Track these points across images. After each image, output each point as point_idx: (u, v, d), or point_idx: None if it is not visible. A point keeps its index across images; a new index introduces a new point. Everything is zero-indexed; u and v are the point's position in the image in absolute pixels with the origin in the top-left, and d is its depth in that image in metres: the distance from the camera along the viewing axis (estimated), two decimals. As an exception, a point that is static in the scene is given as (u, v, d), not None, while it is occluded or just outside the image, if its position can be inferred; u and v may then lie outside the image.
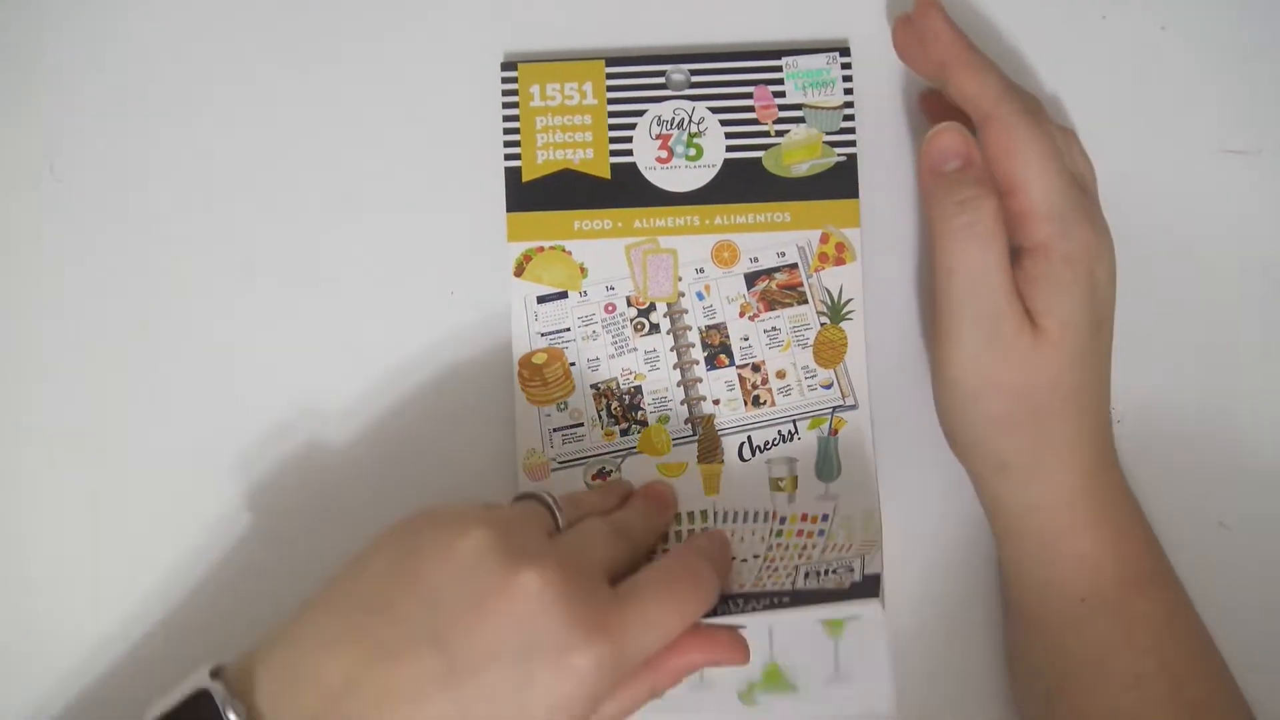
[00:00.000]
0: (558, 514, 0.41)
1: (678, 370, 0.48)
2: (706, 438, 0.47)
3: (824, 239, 0.48)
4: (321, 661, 0.36)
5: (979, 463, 0.44)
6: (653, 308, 0.48)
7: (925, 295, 0.48)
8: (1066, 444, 0.42)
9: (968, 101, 0.43)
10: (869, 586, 0.43)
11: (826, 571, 0.45)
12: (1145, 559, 0.44)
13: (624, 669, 0.38)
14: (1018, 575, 0.44)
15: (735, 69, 0.48)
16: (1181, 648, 0.43)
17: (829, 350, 0.47)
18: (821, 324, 0.47)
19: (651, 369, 0.47)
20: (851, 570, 0.45)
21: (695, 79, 0.48)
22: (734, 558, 0.46)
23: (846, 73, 0.48)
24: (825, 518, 0.47)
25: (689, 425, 0.47)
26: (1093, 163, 0.45)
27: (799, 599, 0.44)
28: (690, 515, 0.47)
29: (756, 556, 0.47)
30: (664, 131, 0.48)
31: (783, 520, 0.47)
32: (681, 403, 0.47)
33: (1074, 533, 0.43)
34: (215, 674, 0.37)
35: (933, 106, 0.48)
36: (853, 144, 0.48)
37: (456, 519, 0.38)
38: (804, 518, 0.47)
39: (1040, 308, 0.41)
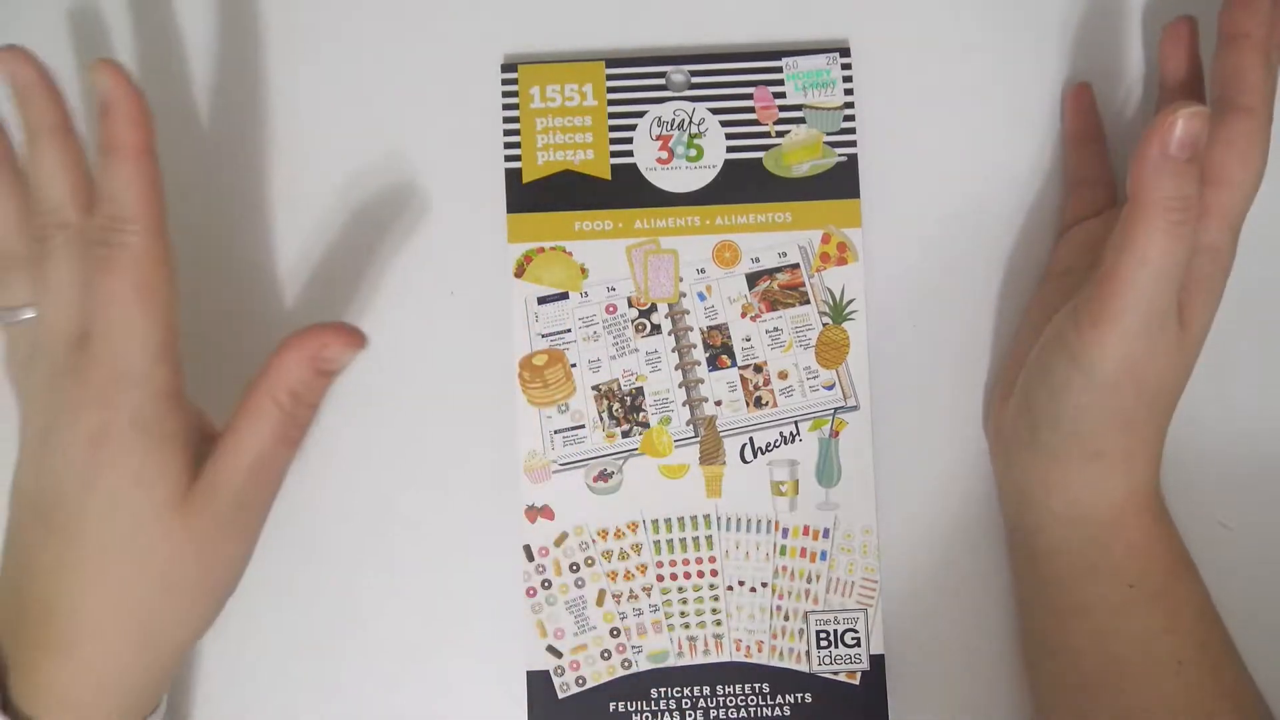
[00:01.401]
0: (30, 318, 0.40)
1: (679, 371, 0.47)
2: (708, 439, 0.47)
3: (825, 239, 0.48)
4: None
5: (1071, 450, 0.42)
6: (654, 308, 0.48)
7: (927, 294, 0.48)
8: (1158, 440, 0.43)
9: (1232, 80, 0.41)
10: (876, 678, 0.46)
11: (837, 640, 0.46)
12: (1183, 551, 0.44)
13: (131, 380, 0.37)
14: (1064, 563, 0.44)
15: (735, 70, 0.48)
16: (1215, 633, 0.43)
17: (831, 351, 0.47)
18: (823, 324, 0.47)
19: (653, 370, 0.47)
20: (858, 641, 0.46)
21: (695, 80, 0.48)
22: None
23: (847, 73, 0.48)
24: (826, 533, 0.47)
25: (691, 426, 0.47)
26: None
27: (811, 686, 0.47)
28: (694, 520, 0.47)
29: (765, 585, 0.47)
30: (664, 132, 0.48)
31: (785, 533, 0.47)
32: (683, 404, 0.47)
33: (1131, 519, 0.43)
34: None
35: (1174, 48, 0.46)
36: (853, 144, 0.48)
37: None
38: (805, 531, 0.47)
39: (1194, 309, 0.41)
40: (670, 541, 0.47)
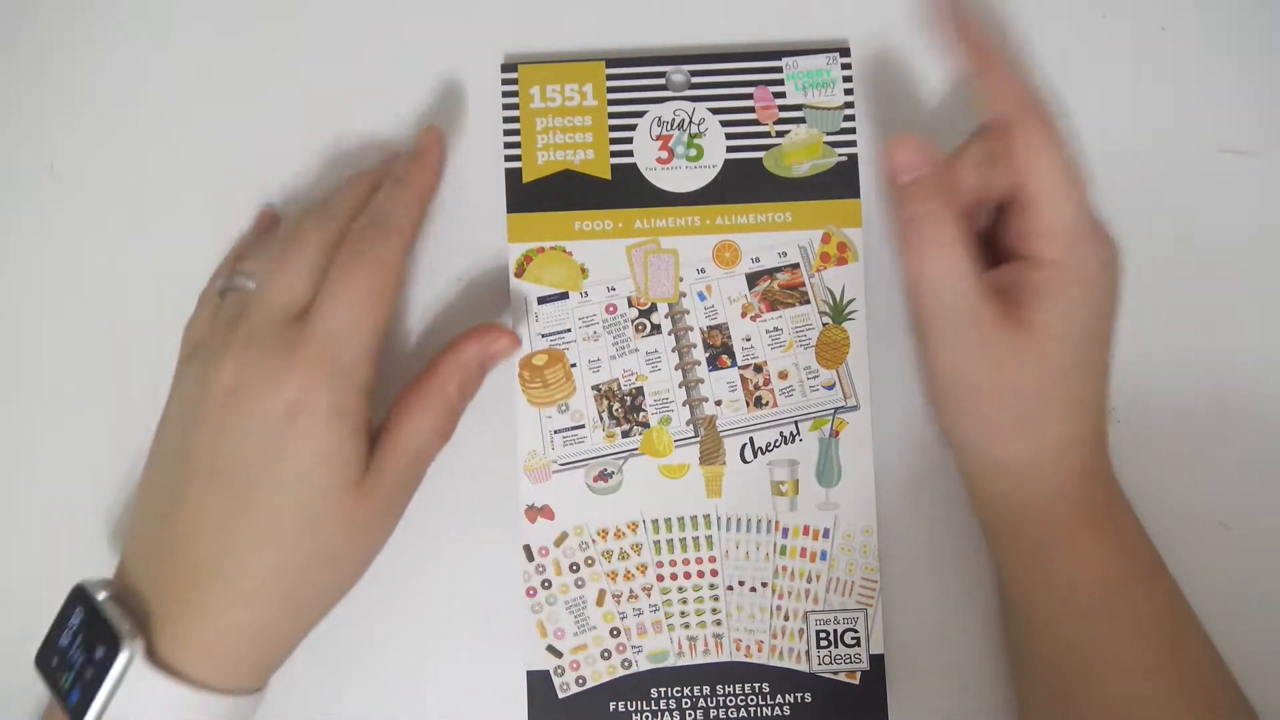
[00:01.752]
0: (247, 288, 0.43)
1: (679, 371, 0.47)
2: (709, 439, 0.47)
3: (825, 239, 0.48)
4: (143, 526, 0.42)
5: (975, 462, 0.44)
6: (654, 308, 0.48)
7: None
8: (1061, 447, 0.42)
9: (994, 98, 0.43)
10: (876, 678, 0.46)
11: (837, 639, 0.46)
12: (1144, 557, 0.44)
13: (342, 373, 0.40)
14: (1016, 576, 0.44)
15: (735, 70, 0.48)
16: (1187, 641, 0.43)
17: (831, 350, 0.47)
18: (823, 324, 0.47)
19: (653, 370, 0.47)
20: (858, 641, 0.46)
21: (695, 80, 0.48)
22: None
23: (847, 73, 0.48)
24: (826, 533, 0.47)
25: (691, 426, 0.47)
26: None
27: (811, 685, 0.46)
28: (694, 520, 0.47)
29: (765, 585, 0.47)
30: (664, 132, 0.48)
31: (785, 533, 0.47)
32: (683, 404, 0.47)
33: (1071, 531, 0.43)
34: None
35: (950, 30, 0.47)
36: (853, 144, 0.48)
37: (180, 384, 0.43)
38: (805, 531, 0.47)
39: (1034, 318, 0.41)
40: (670, 541, 0.47)
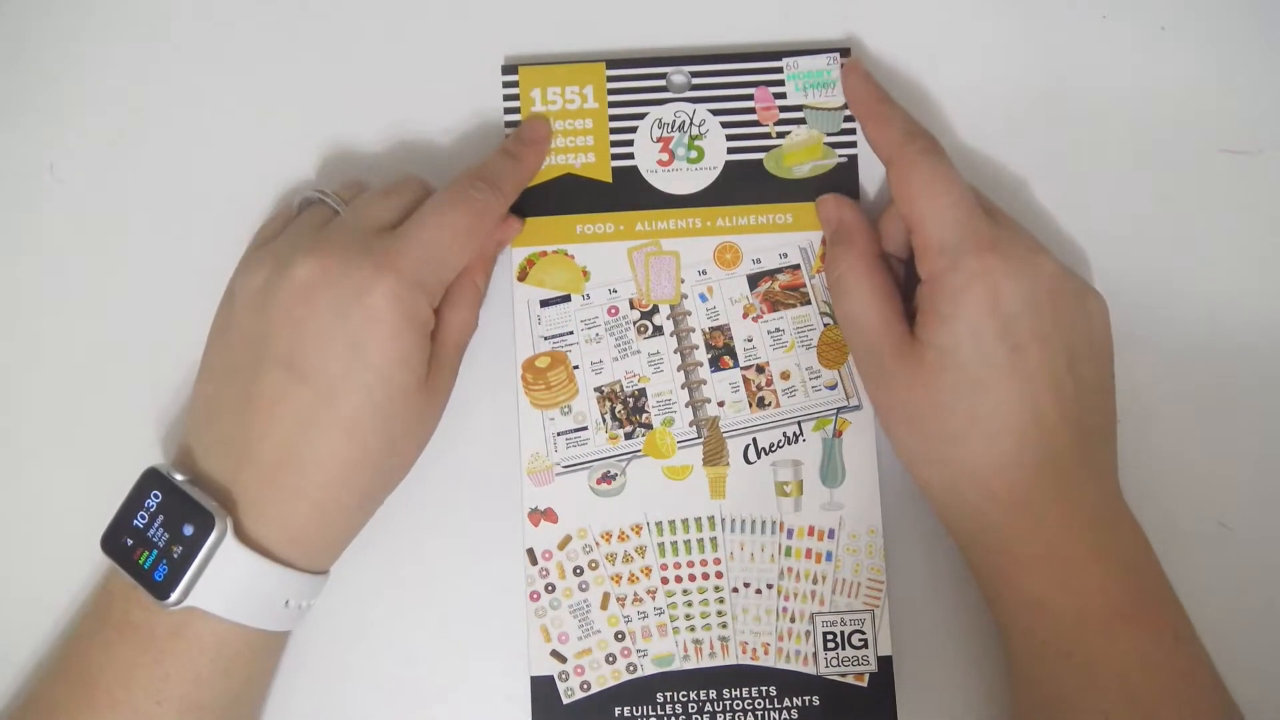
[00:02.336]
0: (335, 205, 0.46)
1: (682, 372, 0.47)
2: (712, 440, 0.47)
3: (826, 240, 0.48)
4: (210, 413, 0.43)
5: (920, 489, 0.44)
6: (656, 310, 0.48)
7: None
8: (985, 472, 0.42)
9: (877, 149, 0.45)
10: (884, 680, 0.46)
11: (844, 641, 0.46)
12: (1109, 594, 0.41)
13: (423, 288, 0.43)
14: (992, 613, 0.44)
15: (736, 71, 0.48)
16: (1153, 684, 0.40)
17: (833, 351, 0.47)
18: (825, 324, 0.47)
19: (655, 371, 0.47)
20: (865, 643, 0.46)
21: (696, 81, 0.48)
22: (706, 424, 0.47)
23: (848, 74, 0.48)
24: (831, 534, 0.47)
25: (694, 427, 0.47)
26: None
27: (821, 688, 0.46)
28: (698, 522, 0.47)
29: (770, 587, 0.47)
30: (665, 134, 0.48)
31: (790, 534, 0.47)
32: (686, 405, 0.47)
33: (1017, 568, 0.42)
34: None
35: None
36: (854, 145, 0.48)
37: (250, 270, 0.44)
38: (810, 532, 0.47)
39: (924, 338, 0.42)
40: (674, 544, 0.47)
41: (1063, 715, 0.41)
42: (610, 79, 0.48)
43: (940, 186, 0.43)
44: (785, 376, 0.47)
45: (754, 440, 0.47)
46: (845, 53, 0.48)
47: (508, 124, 0.48)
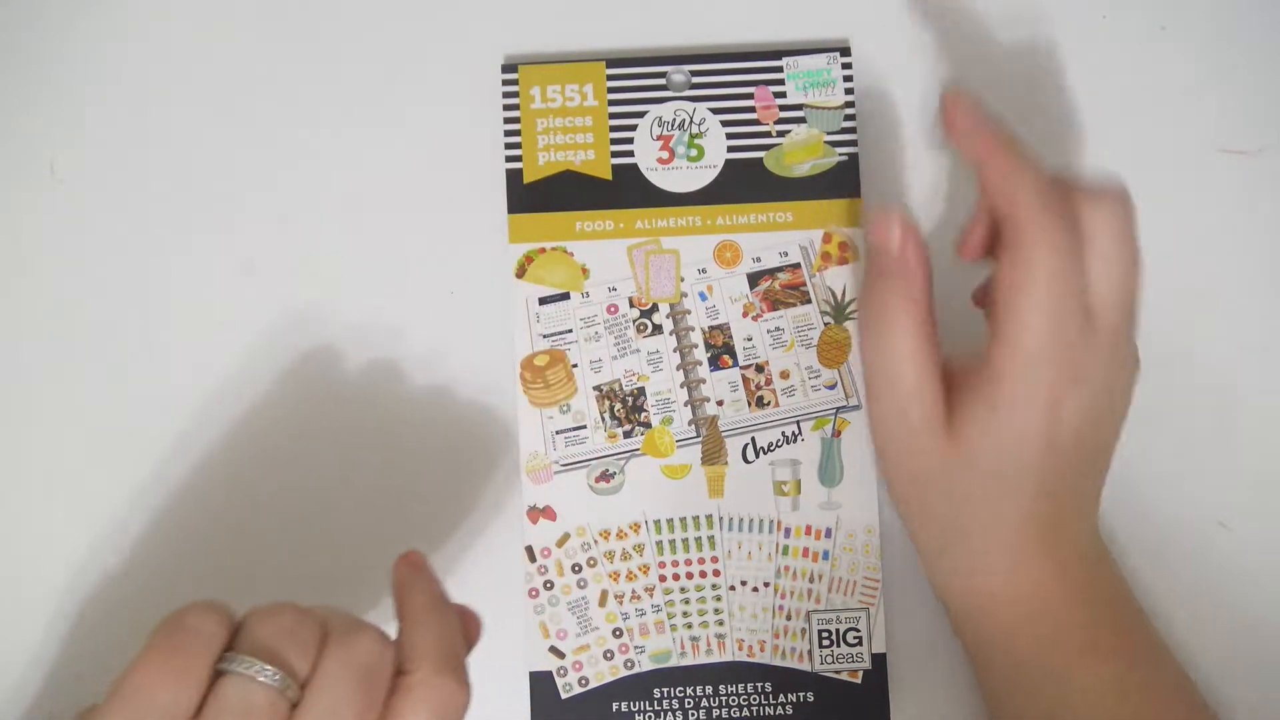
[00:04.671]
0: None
1: (681, 371, 0.47)
2: (710, 439, 0.47)
3: (826, 239, 0.48)
4: None
5: (928, 576, 0.45)
6: (655, 308, 0.48)
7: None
8: (980, 534, 0.42)
9: (996, 198, 0.40)
10: (878, 677, 0.46)
11: (839, 639, 0.46)
12: (1090, 630, 0.42)
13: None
14: (966, 648, 0.45)
15: (736, 69, 0.48)
16: (1129, 710, 0.41)
17: (833, 350, 0.47)
18: (825, 324, 0.47)
19: (654, 370, 0.47)
20: (859, 640, 0.46)
21: (696, 80, 0.48)
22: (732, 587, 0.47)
23: (847, 72, 0.48)
24: (828, 533, 0.47)
25: (693, 426, 0.47)
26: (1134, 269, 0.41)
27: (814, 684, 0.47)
28: (696, 520, 0.47)
29: (767, 585, 0.47)
30: (665, 132, 0.48)
31: (787, 533, 0.47)
32: (685, 404, 0.47)
33: (996, 609, 0.42)
34: None
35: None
36: (854, 143, 0.48)
37: None
38: (807, 531, 0.47)
39: (965, 419, 0.41)
40: (672, 542, 0.47)
41: None
42: (610, 78, 0.48)
43: (1052, 293, 0.39)
44: (785, 376, 0.47)
45: (753, 439, 0.47)
46: (845, 52, 0.48)
47: (507, 121, 0.48)
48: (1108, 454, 0.43)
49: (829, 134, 0.48)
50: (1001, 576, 0.42)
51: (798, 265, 0.48)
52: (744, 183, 0.48)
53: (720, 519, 0.47)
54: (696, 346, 0.48)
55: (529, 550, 0.47)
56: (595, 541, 0.47)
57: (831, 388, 0.47)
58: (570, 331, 0.48)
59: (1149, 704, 0.41)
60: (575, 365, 0.47)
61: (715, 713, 0.46)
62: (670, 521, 0.47)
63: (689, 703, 0.46)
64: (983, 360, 0.40)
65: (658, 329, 0.48)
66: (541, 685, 0.46)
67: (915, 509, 0.44)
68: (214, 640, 0.32)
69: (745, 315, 0.48)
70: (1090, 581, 0.43)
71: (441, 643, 0.36)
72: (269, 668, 0.32)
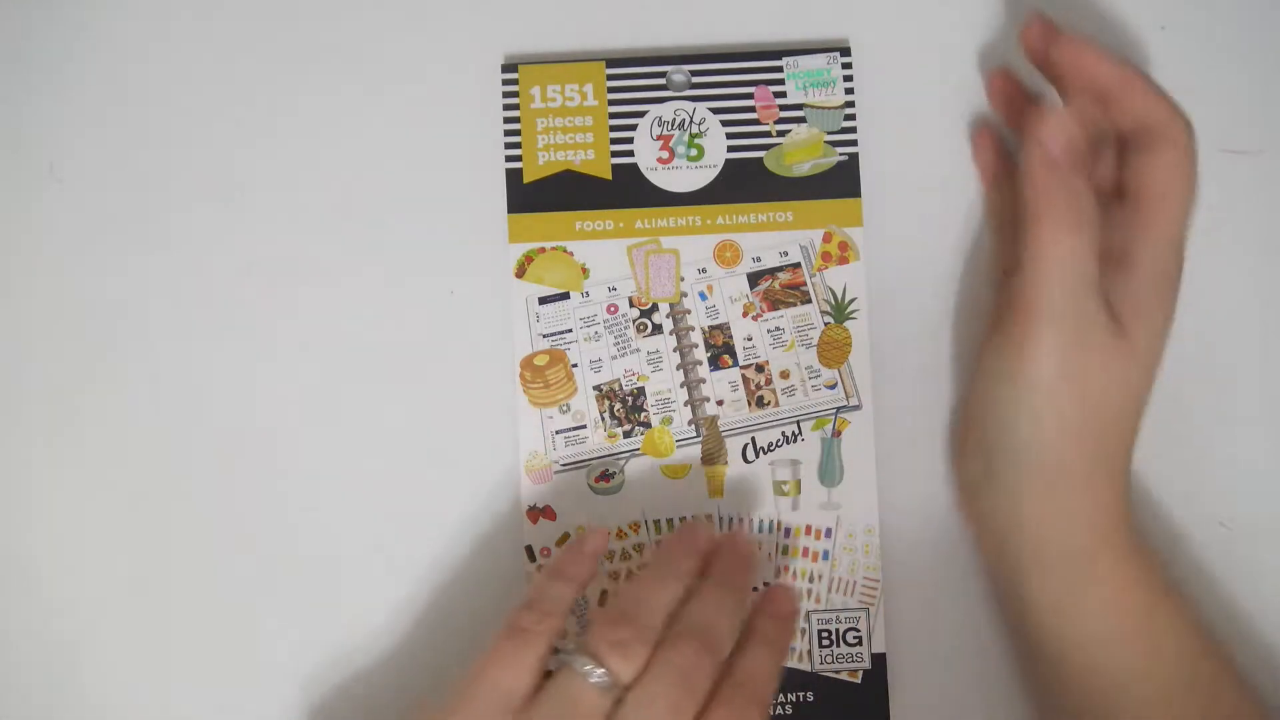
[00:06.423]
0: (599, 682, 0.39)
1: (681, 371, 0.47)
2: (710, 439, 0.47)
3: (826, 238, 0.48)
4: None
5: (1029, 482, 0.42)
6: (655, 308, 0.48)
7: (929, 293, 0.48)
8: (1120, 460, 0.42)
9: (1137, 118, 0.43)
10: (878, 677, 0.46)
11: (839, 638, 0.46)
12: (1160, 580, 0.43)
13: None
14: (1039, 611, 0.43)
15: (736, 69, 0.48)
16: (1207, 666, 0.42)
17: (833, 350, 0.47)
18: (825, 323, 0.47)
19: (654, 370, 0.47)
20: (859, 640, 0.46)
21: (696, 79, 0.48)
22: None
23: (847, 72, 0.48)
24: (828, 533, 0.47)
25: (693, 426, 0.47)
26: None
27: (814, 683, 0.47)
28: (696, 520, 0.47)
29: (767, 584, 0.47)
30: (665, 132, 0.48)
31: (787, 532, 0.47)
32: (685, 404, 0.47)
33: (1102, 564, 0.42)
34: None
35: (1003, 87, 0.48)
36: (854, 143, 0.48)
37: None
38: (807, 531, 0.47)
39: (1135, 321, 0.41)
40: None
41: (1117, 700, 0.42)
42: (610, 77, 0.48)
43: (1193, 186, 0.42)
44: (785, 375, 0.47)
45: (753, 439, 0.47)
46: (845, 52, 0.48)
47: (507, 120, 0.48)
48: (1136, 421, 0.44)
49: (829, 133, 0.48)
50: (1115, 522, 0.42)
51: (798, 265, 0.48)
52: (744, 182, 0.48)
53: (720, 519, 0.47)
54: (696, 346, 0.48)
55: (529, 550, 0.47)
56: (595, 541, 0.47)
57: (832, 387, 0.47)
58: (570, 331, 0.47)
59: (1209, 665, 0.42)
60: (575, 365, 0.47)
61: None
62: (670, 521, 0.47)
63: None
64: (1131, 260, 0.42)
65: (658, 329, 0.48)
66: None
67: (1068, 434, 0.41)
68: (546, 638, 0.39)
69: (745, 315, 0.48)
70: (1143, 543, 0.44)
71: (762, 677, 0.41)
72: (599, 669, 0.38)
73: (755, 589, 0.46)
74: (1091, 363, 0.41)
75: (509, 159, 0.48)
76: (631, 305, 0.48)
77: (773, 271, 0.48)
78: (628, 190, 0.48)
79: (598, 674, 0.38)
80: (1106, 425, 0.42)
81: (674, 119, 0.48)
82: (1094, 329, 0.41)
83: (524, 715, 0.37)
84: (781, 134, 0.48)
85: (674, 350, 0.48)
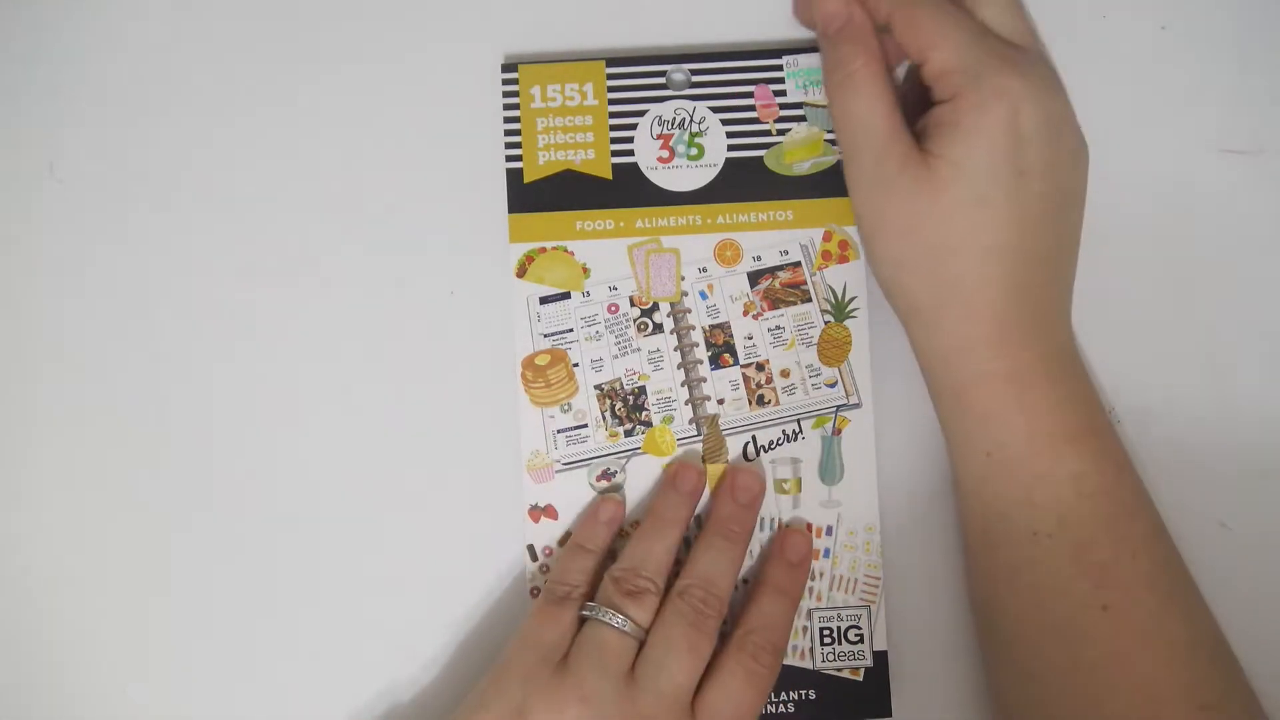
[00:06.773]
0: (628, 627, 0.43)
1: (681, 370, 0.47)
2: (711, 438, 0.47)
3: (826, 237, 0.48)
4: None
5: (896, 308, 0.45)
6: (656, 307, 0.48)
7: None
8: (970, 286, 0.42)
9: (878, 11, 0.44)
10: (879, 674, 0.47)
11: (841, 636, 0.46)
12: (1061, 417, 0.43)
13: None
14: (945, 434, 0.45)
15: (736, 68, 0.48)
16: (1088, 509, 0.42)
17: (833, 348, 0.47)
18: (825, 322, 0.47)
19: (655, 369, 0.47)
20: (861, 638, 0.47)
21: (696, 79, 0.48)
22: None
23: (848, 72, 0.48)
24: (829, 531, 0.47)
25: (693, 425, 0.47)
26: (1032, 24, 0.46)
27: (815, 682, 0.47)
28: (698, 520, 0.47)
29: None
30: (665, 131, 0.48)
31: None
32: (686, 403, 0.47)
33: (979, 384, 0.43)
34: None
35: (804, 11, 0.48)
36: (854, 143, 0.48)
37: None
38: (808, 528, 0.47)
39: (936, 150, 0.42)
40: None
41: (999, 530, 0.43)
42: (610, 77, 0.48)
43: (952, 19, 0.43)
44: (785, 374, 0.47)
45: (753, 438, 0.47)
46: (845, 51, 0.48)
47: (507, 120, 0.48)
48: (1073, 249, 0.44)
49: (829, 132, 0.48)
50: (986, 353, 0.42)
51: (798, 264, 0.48)
52: (744, 181, 0.48)
53: (721, 518, 0.47)
54: (697, 345, 0.48)
55: (530, 549, 0.47)
56: (596, 540, 0.47)
57: (832, 386, 0.47)
58: (571, 330, 0.47)
59: (1104, 508, 0.42)
60: (576, 364, 0.47)
61: None
62: (671, 520, 0.47)
63: None
64: (934, 97, 0.43)
65: (658, 328, 0.48)
66: (542, 684, 0.46)
67: (905, 274, 0.43)
68: (576, 602, 0.44)
69: (746, 314, 0.48)
70: (1066, 378, 0.43)
71: (775, 624, 0.45)
72: (620, 615, 0.43)
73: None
74: (892, 199, 0.43)
75: (509, 159, 0.48)
76: (632, 304, 0.48)
77: (773, 270, 0.48)
78: (628, 190, 0.48)
79: (618, 620, 0.43)
80: (935, 253, 0.42)
81: (674, 118, 0.48)
82: (887, 168, 0.43)
83: (564, 662, 0.42)
84: (781, 133, 0.48)
85: (675, 349, 0.48)
